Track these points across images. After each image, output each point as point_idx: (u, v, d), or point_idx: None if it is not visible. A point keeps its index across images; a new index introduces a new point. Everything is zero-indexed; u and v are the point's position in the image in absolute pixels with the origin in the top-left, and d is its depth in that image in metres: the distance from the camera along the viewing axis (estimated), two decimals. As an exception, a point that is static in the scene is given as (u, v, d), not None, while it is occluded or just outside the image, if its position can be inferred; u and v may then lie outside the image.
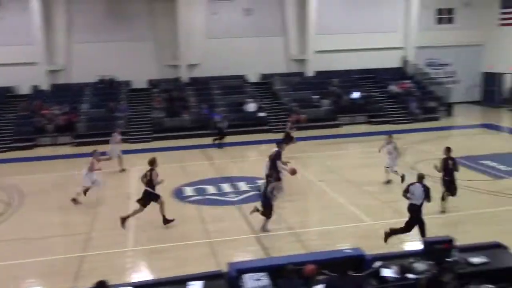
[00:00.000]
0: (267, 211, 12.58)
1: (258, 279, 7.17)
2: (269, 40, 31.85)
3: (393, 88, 30.95)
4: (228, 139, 24.51)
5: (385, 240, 11.41)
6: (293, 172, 14.84)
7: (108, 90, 29.57)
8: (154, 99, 28.73)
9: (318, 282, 7.20)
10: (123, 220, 12.91)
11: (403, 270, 7.63)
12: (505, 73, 34.04)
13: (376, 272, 7.71)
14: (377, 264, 7.82)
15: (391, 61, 33.59)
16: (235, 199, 15.65)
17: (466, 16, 34.42)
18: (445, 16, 34.65)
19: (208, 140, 24.23)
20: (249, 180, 17.62)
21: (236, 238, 12.43)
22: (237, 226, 13.23)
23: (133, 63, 30.33)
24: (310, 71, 32.33)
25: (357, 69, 32.77)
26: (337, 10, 32.27)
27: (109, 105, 27.54)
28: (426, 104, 29.72)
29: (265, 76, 32.15)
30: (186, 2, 30.05)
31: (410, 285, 7.51)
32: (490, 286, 7.28)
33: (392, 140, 16.91)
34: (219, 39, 30.93)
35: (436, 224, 12.70)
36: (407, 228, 11.44)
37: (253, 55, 31.37)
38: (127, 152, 21.23)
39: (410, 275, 7.66)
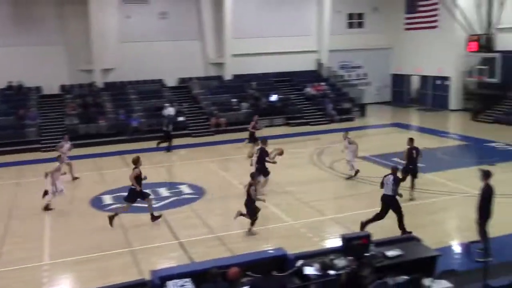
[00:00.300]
0: (253, 213, 12.51)
1: (182, 285, 7.07)
2: (186, 44, 31.64)
3: (309, 90, 31.79)
4: (147, 144, 24.06)
5: (361, 229, 11.79)
6: (281, 152, 16.59)
7: (16, 96, 28.03)
8: (67, 105, 27.58)
9: (242, 285, 7.21)
10: (111, 218, 13.14)
11: (325, 267, 7.81)
12: (412, 75, 36.03)
13: (299, 270, 7.84)
14: (300, 262, 7.96)
15: (306, 64, 34.50)
16: (156, 205, 15.33)
17: (375, 21, 36.13)
18: (355, 20, 36.15)
19: (126, 146, 23.67)
20: (170, 185, 17.38)
21: (159, 245, 12.21)
22: (160, 233, 13.00)
23: (43, 68, 28.90)
24: (228, 75, 32.46)
25: (274, 72, 33.38)
26: (253, 14, 32.66)
27: (18, 112, 26.13)
28: (341, 106, 30.78)
29: (183, 80, 31.90)
30: (98, 4, 29.12)
31: (331, 281, 7.71)
32: (405, 277, 7.63)
33: (348, 136, 17.47)
34: (134, 43, 30.25)
35: (354, 220, 13.15)
36: (378, 216, 12.03)
37: (170, 59, 30.99)
38: (40, 162, 20.24)
39: (331, 272, 7.87)
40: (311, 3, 34.26)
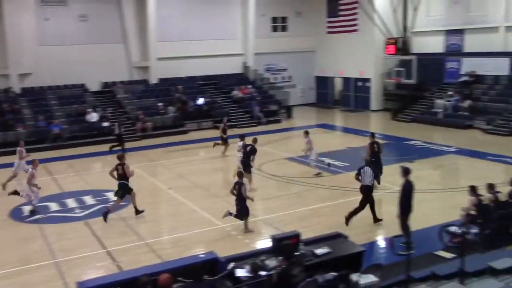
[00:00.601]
0: (243, 211, 12.63)
1: (111, 296, 6.89)
2: (109, 47, 30.83)
3: (236, 93, 31.95)
4: (71, 151, 23.23)
5: (346, 223, 12.53)
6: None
7: None
8: (-19, 112, 26.07)
9: (173, 291, 7.12)
10: (105, 214, 13.81)
11: (256, 268, 7.86)
12: (335, 77, 37.14)
13: (230, 273, 7.84)
14: (231, 265, 7.96)
15: (233, 67, 34.68)
16: (81, 214, 14.84)
17: (298, 24, 36.96)
18: (279, 24, 36.78)
19: (48, 154, 22.70)
20: (96, 193, 16.85)
21: (85, 255, 11.79)
22: (85, 243, 12.57)
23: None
24: (153, 78, 31.99)
25: (200, 75, 33.27)
26: (178, 17, 32.40)
27: None
28: (268, 108, 31.16)
29: (107, 85, 31.04)
30: (13, 6, 27.75)
31: (262, 282, 7.78)
32: (333, 273, 7.82)
33: (307, 136, 17.89)
34: (53, 46, 29.11)
35: (283, 220, 13.36)
36: (361, 207, 12.83)
37: (92, 63, 30.04)
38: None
39: (263, 272, 7.93)
40: (236, 7, 34.49)
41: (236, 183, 12.88)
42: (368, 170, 12.82)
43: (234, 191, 12.85)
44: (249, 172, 16.34)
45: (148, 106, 29.14)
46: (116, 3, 30.98)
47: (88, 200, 16.18)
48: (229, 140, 21.97)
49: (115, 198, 16.09)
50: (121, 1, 30.92)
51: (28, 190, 14.80)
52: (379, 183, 13.16)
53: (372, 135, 16.69)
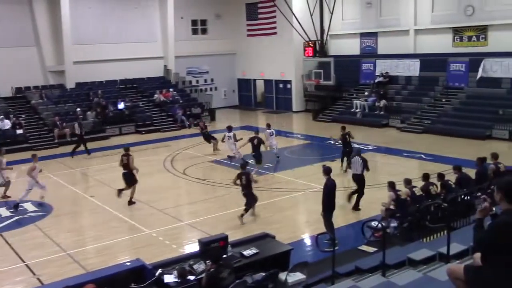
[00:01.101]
0: (253, 198, 13.43)
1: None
2: (21, 50, 29.29)
3: (158, 96, 31.48)
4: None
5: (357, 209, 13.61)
6: None
7: None
8: None
9: (100, 302, 6.91)
10: (120, 191, 15.17)
11: (184, 273, 7.79)
12: (257, 79, 37.57)
13: (159, 280, 7.73)
14: (159, 271, 7.85)
15: (154, 70, 34.15)
16: (-4, 227, 14.02)
17: (218, 27, 37.03)
18: (199, 27, 36.67)
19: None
20: (11, 204, 15.97)
21: (2, 270, 11.13)
22: (1, 257, 11.86)
23: None
24: (70, 83, 30.82)
25: (120, 79, 32.50)
26: (94, 20, 31.43)
27: None
28: (191, 111, 30.95)
29: (19, 90, 29.50)
30: None
31: (191, 286, 7.72)
32: (262, 273, 7.91)
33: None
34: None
35: (209, 224, 13.32)
36: (360, 192, 13.84)
37: (3, 67, 28.38)
38: None
39: (191, 277, 7.88)
40: (154, 9, 34.02)
41: (242, 174, 13.32)
42: (358, 160, 13.96)
43: (239, 182, 13.33)
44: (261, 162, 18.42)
45: (66, 111, 28.03)
46: (27, 4, 29.55)
47: (4, 212, 15.31)
48: (149, 145, 21.60)
49: (32, 209, 15.42)
50: (32, 1, 29.53)
51: (34, 182, 15.70)
52: (368, 170, 14.30)
53: (343, 128, 18.63)
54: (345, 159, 17.79)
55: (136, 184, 15.41)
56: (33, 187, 15.79)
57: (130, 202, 15.31)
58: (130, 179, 15.40)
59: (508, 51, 24.49)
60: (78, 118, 25.19)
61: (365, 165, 14.02)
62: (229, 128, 20.58)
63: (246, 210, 13.34)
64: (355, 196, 13.94)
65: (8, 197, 16.83)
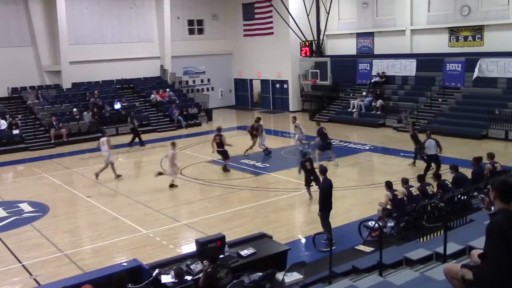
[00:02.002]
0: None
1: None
2: (17, 50, 29.22)
3: (154, 97, 31.44)
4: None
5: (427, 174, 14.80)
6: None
7: None
8: None
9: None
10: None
11: (181, 273, 7.80)
12: (254, 79, 37.57)
13: (156, 280, 7.73)
14: (156, 272, 7.85)
15: (150, 70, 34.13)
16: (-8, 228, 13.98)
17: (215, 27, 37.04)
18: (196, 27, 36.64)
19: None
20: (7, 204, 15.94)
21: (-2, 272, 11.12)
22: (-2, 258, 11.85)
23: None
24: (67, 83, 30.76)
25: (117, 79, 32.46)
26: (90, 20, 31.42)
27: None
28: (187, 111, 30.92)
29: (15, 90, 29.42)
30: None
31: (188, 286, 7.72)
32: (259, 274, 7.93)
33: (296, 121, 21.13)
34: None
35: (207, 224, 13.32)
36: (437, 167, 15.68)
37: (-1, 67, 28.39)
38: None
39: (188, 277, 7.89)
40: (151, 10, 33.98)
41: (306, 161, 14.67)
42: (432, 142, 16.02)
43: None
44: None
45: (62, 112, 27.97)
46: (23, 4, 29.47)
47: (0, 212, 15.27)
48: (145, 146, 21.50)
49: (29, 209, 15.40)
50: (28, 1, 29.44)
51: (170, 170, 17.05)
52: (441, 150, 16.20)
53: (318, 122, 20.46)
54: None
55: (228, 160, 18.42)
56: (170, 174, 17.01)
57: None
58: (225, 154, 18.40)
59: (504, 51, 24.59)
60: (129, 113, 26.27)
61: (438, 145, 16.03)
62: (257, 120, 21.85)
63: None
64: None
65: (120, 175, 18.60)
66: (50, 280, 10.04)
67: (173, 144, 17.62)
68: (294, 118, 21.70)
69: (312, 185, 14.61)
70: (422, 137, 17.69)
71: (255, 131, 21.32)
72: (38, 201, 16.01)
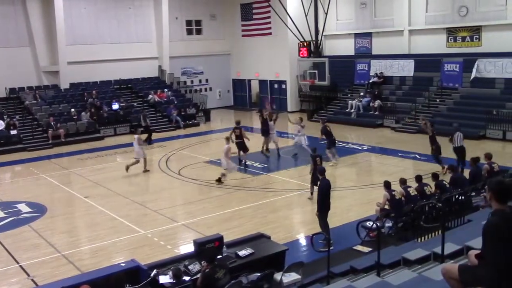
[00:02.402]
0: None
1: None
2: (15, 51, 29.18)
3: (152, 97, 31.42)
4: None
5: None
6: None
7: None
8: None
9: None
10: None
11: (179, 274, 7.80)
12: (252, 79, 37.57)
13: (154, 280, 7.72)
14: (154, 272, 7.84)
15: (148, 70, 34.12)
16: (-10, 228, 13.96)
17: (213, 27, 37.04)
18: (194, 27, 36.63)
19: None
20: (5, 205, 15.92)
21: (-4, 272, 11.10)
22: (-4, 259, 11.83)
23: None
24: (64, 83, 30.73)
25: (115, 79, 32.44)
26: (88, 20, 31.38)
27: None
28: (185, 112, 30.92)
29: (13, 91, 29.38)
30: None
31: (186, 287, 7.72)
32: (257, 274, 7.93)
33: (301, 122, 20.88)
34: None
35: (205, 224, 13.32)
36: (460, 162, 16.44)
37: (-5, 67, 28.32)
38: None
39: (186, 278, 7.88)
40: (149, 10, 33.96)
41: (316, 156, 14.96)
42: (459, 134, 16.69)
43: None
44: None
45: (60, 112, 27.94)
46: (21, 4, 29.43)
47: (-3, 213, 15.26)
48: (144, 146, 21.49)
49: (27, 210, 15.39)
50: (26, 1, 29.40)
51: (226, 162, 17.29)
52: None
53: (323, 120, 20.57)
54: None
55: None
56: (230, 168, 17.34)
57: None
58: (243, 146, 19.09)
59: (502, 52, 24.63)
60: (141, 111, 26.70)
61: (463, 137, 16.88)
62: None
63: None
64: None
65: (148, 170, 19.38)
66: (48, 280, 10.03)
67: (227, 139, 17.95)
68: (301, 119, 21.65)
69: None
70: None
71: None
72: (36, 202, 16.00)
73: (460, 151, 16.72)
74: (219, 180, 17.16)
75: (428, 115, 25.72)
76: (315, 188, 14.10)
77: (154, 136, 26.60)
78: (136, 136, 19.66)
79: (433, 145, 17.54)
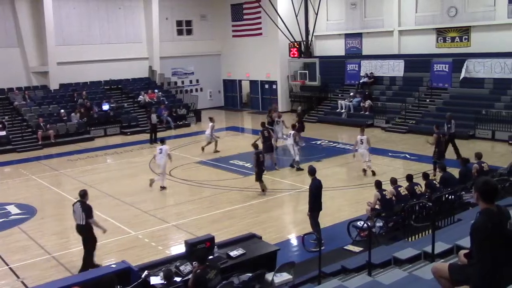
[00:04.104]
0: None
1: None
2: (3, 51, 28.90)
3: (143, 97, 31.32)
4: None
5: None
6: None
7: None
8: None
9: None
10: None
11: (170, 275, 7.78)
12: (242, 80, 37.56)
13: (145, 282, 7.70)
14: (145, 273, 7.81)
15: (139, 71, 34.01)
16: (-21, 230, 13.83)
17: (203, 28, 36.98)
18: (184, 27, 36.55)
19: None
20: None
21: (-16, 274, 11.00)
22: (-16, 261, 11.72)
23: None
24: (54, 84, 30.53)
25: (105, 80, 32.30)
26: (78, 20, 31.22)
27: None
28: (176, 112, 30.84)
29: (2, 91, 29.13)
30: None
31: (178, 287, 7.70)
32: (249, 274, 7.92)
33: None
34: None
35: (196, 225, 13.30)
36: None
37: (-16, 68, 28.08)
38: None
39: (178, 279, 7.86)
40: (139, 10, 33.85)
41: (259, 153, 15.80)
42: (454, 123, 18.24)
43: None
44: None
45: (49, 113, 27.76)
46: (10, 4, 29.19)
47: (-14, 215, 15.13)
48: (134, 147, 21.38)
49: (16, 211, 15.27)
50: (15, 1, 29.18)
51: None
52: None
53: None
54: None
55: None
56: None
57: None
58: (270, 148, 19.13)
59: (491, 52, 24.82)
60: (150, 111, 26.62)
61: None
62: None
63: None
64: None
65: (218, 151, 21.92)
66: (38, 282, 9.96)
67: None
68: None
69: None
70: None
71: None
72: (26, 203, 15.89)
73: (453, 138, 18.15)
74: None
75: (418, 115, 25.90)
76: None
77: (144, 137, 26.53)
78: (211, 123, 22.14)
79: (436, 147, 16.83)
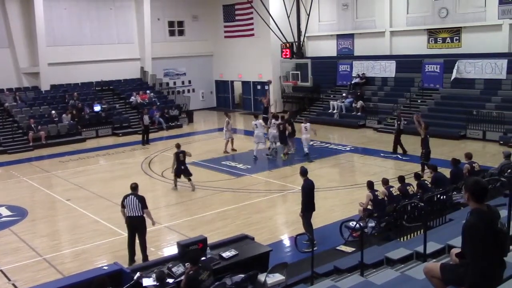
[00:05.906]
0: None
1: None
2: (-6, 52, 28.83)
3: (135, 98, 31.22)
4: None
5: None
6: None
7: None
8: None
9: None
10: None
11: (163, 276, 7.75)
12: (235, 81, 37.53)
13: (137, 283, 7.66)
14: (137, 275, 7.78)
15: (130, 72, 33.89)
16: (-31, 233, 13.72)
17: (195, 28, 36.91)
18: (176, 28, 36.48)
19: None
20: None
21: (-25, 277, 10.91)
22: (-25, 263, 11.63)
23: None
24: (45, 85, 30.37)
25: (96, 81, 32.17)
26: (69, 21, 31.07)
27: None
28: (168, 113, 30.77)
29: (-8, 93, 28.97)
30: None
31: (171, 289, 7.68)
32: (241, 275, 7.92)
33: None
34: None
35: (188, 226, 13.27)
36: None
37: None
38: None
39: (170, 280, 7.84)
40: (130, 11, 33.75)
41: None
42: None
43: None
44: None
45: (41, 114, 27.60)
46: (0, 5, 29.02)
47: (-24, 217, 15.01)
48: (126, 148, 21.26)
49: (6, 213, 15.17)
50: (5, 2, 28.99)
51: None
52: None
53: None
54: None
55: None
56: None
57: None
58: (285, 140, 20.23)
59: (481, 53, 24.98)
60: (142, 112, 26.49)
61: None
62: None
63: None
64: None
65: (235, 150, 22.36)
66: (29, 285, 9.91)
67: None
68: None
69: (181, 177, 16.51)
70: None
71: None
72: (17, 205, 15.78)
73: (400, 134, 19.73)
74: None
75: (409, 116, 25.98)
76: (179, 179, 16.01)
77: (136, 138, 26.46)
78: (227, 119, 22.39)
79: (423, 149, 16.94)
